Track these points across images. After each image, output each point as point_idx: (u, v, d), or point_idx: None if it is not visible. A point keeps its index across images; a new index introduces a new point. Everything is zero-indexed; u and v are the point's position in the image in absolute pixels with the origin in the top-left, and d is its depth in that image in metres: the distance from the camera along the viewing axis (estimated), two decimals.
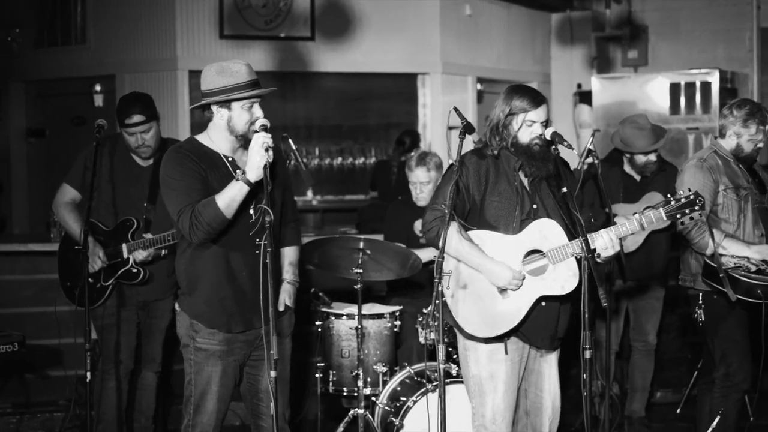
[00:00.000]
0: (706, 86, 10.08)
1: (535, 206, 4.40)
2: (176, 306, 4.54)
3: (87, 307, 5.06)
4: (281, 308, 4.57)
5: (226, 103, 4.25)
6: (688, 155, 10.00)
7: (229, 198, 4.14)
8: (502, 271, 4.28)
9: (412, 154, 6.19)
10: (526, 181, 4.43)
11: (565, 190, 4.27)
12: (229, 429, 4.80)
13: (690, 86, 10.14)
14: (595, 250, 4.25)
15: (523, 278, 4.30)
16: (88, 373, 5.03)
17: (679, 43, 11.51)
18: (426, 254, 5.67)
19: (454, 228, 4.30)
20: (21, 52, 10.52)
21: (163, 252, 5.45)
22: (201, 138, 4.39)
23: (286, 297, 4.61)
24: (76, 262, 5.48)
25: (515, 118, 4.36)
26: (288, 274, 4.69)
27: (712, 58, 11.16)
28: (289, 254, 4.74)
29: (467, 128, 4.30)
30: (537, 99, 4.38)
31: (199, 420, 4.44)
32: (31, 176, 10.85)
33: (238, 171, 4.18)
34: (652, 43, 11.58)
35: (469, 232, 4.36)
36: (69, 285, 5.65)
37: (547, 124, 4.39)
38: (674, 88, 10.22)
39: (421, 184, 6.03)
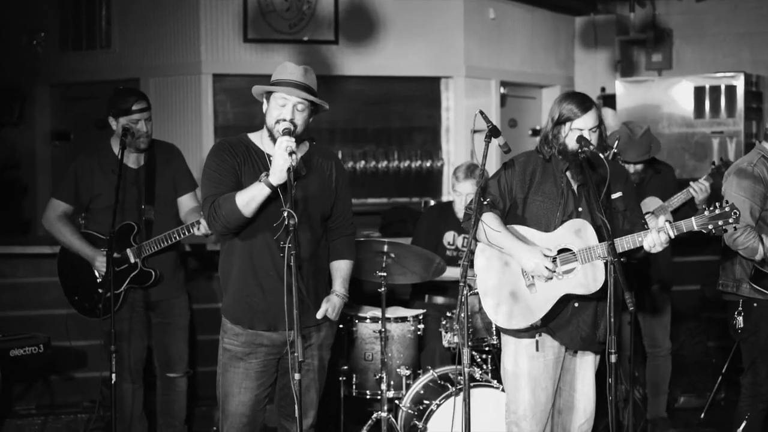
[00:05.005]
0: (731, 90, 10.01)
1: (580, 209, 4.41)
2: None
3: (113, 311, 5.14)
4: (319, 317, 4.50)
5: (268, 96, 4.37)
6: (712, 159, 9.95)
7: (249, 197, 4.18)
8: (533, 255, 4.30)
9: (461, 164, 6.14)
10: (574, 183, 4.44)
11: (618, 194, 4.32)
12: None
13: (715, 90, 10.07)
14: (625, 253, 4.27)
15: (554, 271, 4.31)
16: (113, 375, 5.06)
17: (704, 47, 11.43)
18: (451, 274, 5.69)
19: (491, 215, 4.35)
20: (46, 56, 10.55)
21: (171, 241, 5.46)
22: (252, 135, 4.49)
23: (329, 308, 4.53)
24: (76, 275, 5.54)
25: (563, 126, 4.36)
26: (337, 286, 4.64)
27: (737, 62, 11.07)
28: (341, 267, 4.69)
29: (493, 132, 4.31)
30: (584, 106, 4.35)
31: (225, 422, 4.48)
32: (56, 179, 10.88)
33: (263, 173, 4.20)
34: (676, 47, 11.51)
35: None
36: (77, 299, 5.67)
37: (598, 130, 4.37)
38: (699, 92, 10.16)
39: (468, 195, 5.94)
